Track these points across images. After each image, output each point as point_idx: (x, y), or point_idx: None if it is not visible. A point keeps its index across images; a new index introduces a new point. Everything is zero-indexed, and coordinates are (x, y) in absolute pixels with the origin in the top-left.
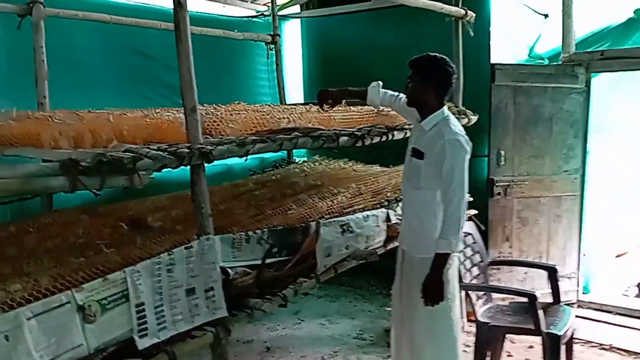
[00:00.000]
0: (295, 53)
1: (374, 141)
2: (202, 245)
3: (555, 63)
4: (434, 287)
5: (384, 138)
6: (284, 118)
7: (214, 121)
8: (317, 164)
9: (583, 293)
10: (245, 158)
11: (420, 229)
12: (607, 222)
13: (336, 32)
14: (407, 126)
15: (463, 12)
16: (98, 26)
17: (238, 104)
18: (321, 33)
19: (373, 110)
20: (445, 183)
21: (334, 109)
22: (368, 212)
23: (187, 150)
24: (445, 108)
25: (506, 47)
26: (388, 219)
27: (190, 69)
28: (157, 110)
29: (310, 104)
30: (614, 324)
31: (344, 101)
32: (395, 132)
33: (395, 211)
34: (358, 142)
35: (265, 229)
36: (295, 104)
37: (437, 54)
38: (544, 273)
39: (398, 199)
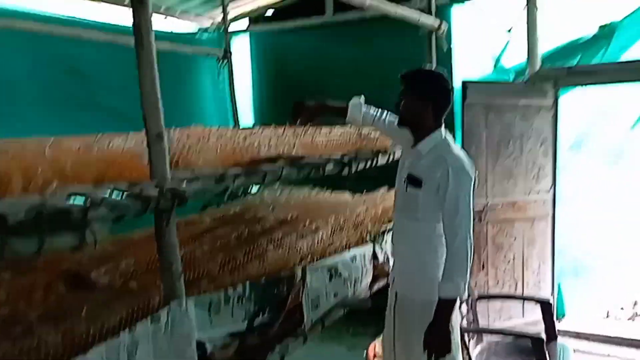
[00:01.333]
0: (242, 71)
1: (359, 168)
2: (173, 315)
3: (521, 79)
4: (440, 337)
5: (369, 164)
6: (262, 145)
7: (182, 150)
8: (279, 192)
9: (557, 318)
10: None
11: (419, 267)
12: (578, 241)
13: (289, 49)
14: (395, 148)
15: (437, 24)
16: (24, 39)
17: (196, 128)
18: (273, 49)
19: (356, 131)
20: (449, 215)
21: (310, 129)
22: (354, 251)
23: (156, 192)
24: (443, 129)
25: (470, 62)
26: (375, 256)
27: (155, 83)
28: (102, 138)
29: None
30: (597, 354)
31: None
32: (380, 156)
33: (382, 247)
34: (344, 169)
35: (245, 283)
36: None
37: (434, 69)
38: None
39: (383, 231)
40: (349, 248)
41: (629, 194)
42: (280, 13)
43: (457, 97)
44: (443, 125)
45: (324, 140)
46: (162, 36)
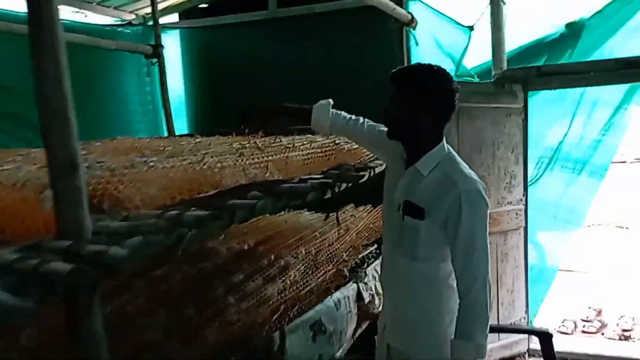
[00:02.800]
0: (171, 71)
1: (342, 188)
2: None
3: (486, 80)
4: None
5: (352, 183)
6: (222, 165)
7: (108, 181)
8: None
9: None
10: None
11: (420, 318)
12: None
13: (227, 47)
14: (374, 163)
15: (409, 17)
16: None
17: (124, 140)
18: (208, 47)
19: (331, 142)
20: (463, 254)
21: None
22: (337, 295)
23: (67, 267)
24: (445, 142)
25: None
26: (359, 297)
27: (62, 85)
28: None
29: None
30: None
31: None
32: (366, 173)
33: (366, 284)
34: (326, 193)
35: None
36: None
37: (433, 65)
38: None
39: (362, 262)
40: (330, 291)
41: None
42: (215, 7)
43: None
44: (445, 137)
45: (298, 155)
46: (74, 27)
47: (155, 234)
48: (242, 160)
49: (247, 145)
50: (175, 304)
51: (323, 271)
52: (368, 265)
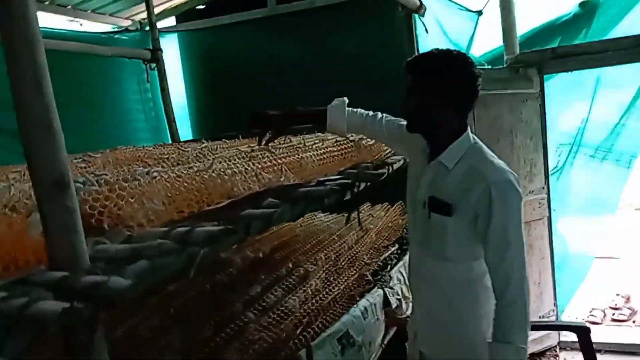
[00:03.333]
0: (171, 76)
1: (361, 188)
2: None
3: (499, 66)
4: None
5: (372, 181)
6: (233, 172)
7: (107, 199)
8: None
9: None
10: None
11: (454, 322)
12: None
13: (227, 47)
14: (392, 159)
15: (418, 3)
16: None
17: (125, 150)
18: (207, 49)
19: (345, 139)
20: (497, 251)
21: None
22: (363, 302)
23: (58, 307)
24: (469, 132)
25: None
26: (386, 302)
27: (44, 88)
28: None
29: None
30: None
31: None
32: (385, 169)
33: (392, 289)
34: (346, 194)
35: None
36: (210, 141)
37: (451, 49)
38: None
39: (385, 264)
40: (354, 298)
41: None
42: (213, 8)
43: None
44: (469, 127)
45: (313, 157)
46: (68, 36)
47: (163, 257)
48: (253, 164)
49: (257, 148)
50: (190, 324)
51: (345, 277)
52: (392, 268)
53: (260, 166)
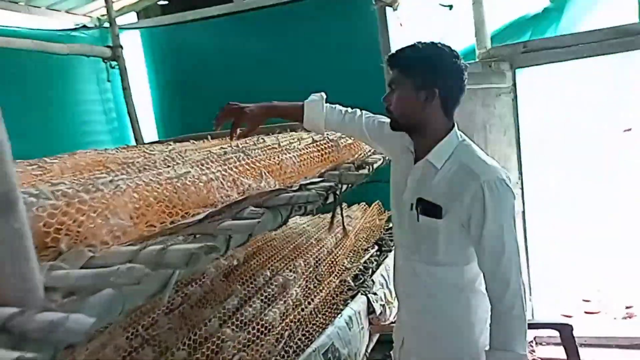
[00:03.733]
0: (133, 75)
1: (344, 190)
2: None
3: (471, 61)
4: None
5: (353, 184)
6: (207, 178)
7: (66, 216)
8: None
9: None
10: None
11: (447, 329)
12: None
13: (192, 44)
14: (372, 158)
15: None
16: None
17: (86, 154)
18: (171, 46)
19: (323, 138)
20: (492, 255)
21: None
22: (347, 312)
23: (9, 347)
24: (457, 129)
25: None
26: (370, 309)
27: None
28: None
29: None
30: None
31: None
32: (366, 170)
33: (375, 294)
34: (329, 197)
35: None
36: (175, 142)
37: (436, 42)
38: None
39: (365, 268)
40: (339, 307)
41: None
42: (176, 3)
43: None
44: (456, 124)
45: (293, 158)
46: (21, 34)
47: (133, 284)
48: (229, 168)
49: (229, 149)
50: (160, 344)
51: (326, 284)
52: (373, 272)
53: (237, 170)
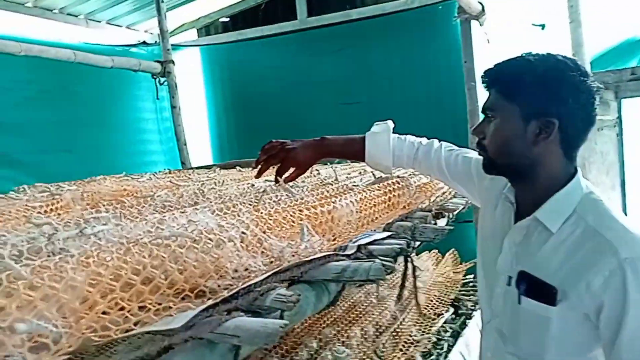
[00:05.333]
0: (191, 93)
1: (417, 246)
2: None
3: None
4: None
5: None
6: (220, 241)
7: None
8: None
9: None
10: None
11: None
12: None
13: (253, 63)
14: (453, 203)
15: (480, 7)
16: None
17: (109, 179)
18: (231, 65)
19: (395, 177)
20: None
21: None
22: None
23: None
24: (580, 176)
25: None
26: None
27: None
28: None
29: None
30: None
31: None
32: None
33: None
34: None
35: None
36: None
37: (555, 54)
38: None
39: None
40: None
41: None
42: (238, 20)
43: None
44: (580, 169)
45: (350, 203)
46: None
47: None
48: (258, 218)
49: (270, 186)
50: None
51: None
52: (450, 349)
53: (268, 221)
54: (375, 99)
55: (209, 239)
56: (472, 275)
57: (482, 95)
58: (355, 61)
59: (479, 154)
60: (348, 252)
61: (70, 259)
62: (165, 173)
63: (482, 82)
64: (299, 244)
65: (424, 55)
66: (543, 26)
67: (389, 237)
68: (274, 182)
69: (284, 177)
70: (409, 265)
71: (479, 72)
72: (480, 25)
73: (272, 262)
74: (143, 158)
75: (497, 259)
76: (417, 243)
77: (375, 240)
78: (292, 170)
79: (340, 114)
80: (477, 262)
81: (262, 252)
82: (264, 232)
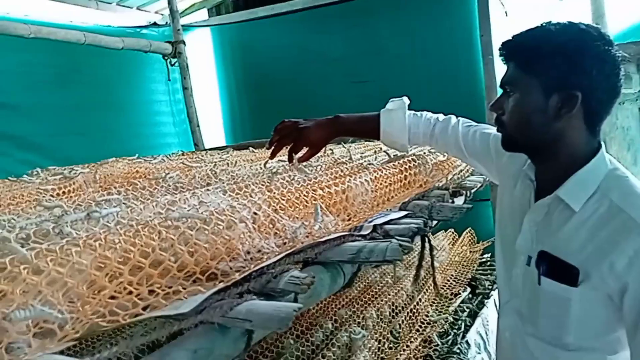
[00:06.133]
0: (203, 74)
1: (434, 225)
2: None
3: None
4: None
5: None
6: (231, 222)
7: None
8: None
9: None
10: None
11: None
12: None
13: (264, 42)
14: (470, 181)
15: None
16: None
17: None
18: (242, 44)
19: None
20: None
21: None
22: None
23: None
24: (604, 151)
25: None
26: None
27: None
28: None
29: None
30: None
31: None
32: (461, 198)
33: None
34: (413, 240)
35: None
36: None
37: (577, 22)
38: None
39: (457, 319)
40: None
41: None
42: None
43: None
44: (603, 143)
45: (365, 182)
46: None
47: None
48: (271, 198)
49: (282, 165)
50: None
51: (404, 344)
52: (468, 328)
53: (281, 201)
54: (388, 76)
55: (220, 220)
56: (489, 255)
57: (500, 70)
58: (367, 38)
59: (498, 131)
60: (363, 232)
61: (78, 242)
62: (178, 155)
63: (500, 55)
64: (313, 224)
65: (438, 30)
66: None
67: (405, 216)
68: (287, 162)
69: (297, 157)
70: (426, 244)
71: (496, 46)
72: None
73: (285, 243)
74: (156, 140)
75: (516, 238)
76: (434, 222)
77: (391, 220)
78: (305, 149)
79: (352, 92)
80: (495, 242)
81: (275, 233)
82: (277, 212)
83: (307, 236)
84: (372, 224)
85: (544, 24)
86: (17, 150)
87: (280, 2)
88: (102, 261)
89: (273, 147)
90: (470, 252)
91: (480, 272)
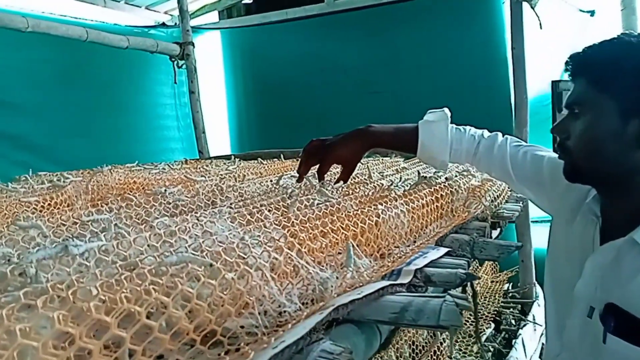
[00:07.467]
0: (211, 78)
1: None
2: None
3: None
4: None
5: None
6: (243, 273)
7: None
8: None
9: None
10: None
11: None
12: None
13: (275, 48)
14: (508, 209)
15: None
16: None
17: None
18: (253, 49)
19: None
20: None
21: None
22: None
23: None
24: None
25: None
26: None
27: None
28: None
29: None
30: None
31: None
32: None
33: None
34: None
35: None
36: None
37: None
38: None
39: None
40: None
41: None
42: (261, 3)
43: (544, 104)
44: None
45: (399, 211)
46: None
47: None
48: (288, 233)
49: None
50: None
51: None
52: None
53: (303, 236)
54: (405, 87)
55: (230, 266)
56: (510, 285)
57: (534, 85)
58: (385, 47)
59: (560, 158)
60: (402, 279)
61: (35, 299)
62: (181, 163)
63: (565, 70)
64: (344, 271)
65: (461, 42)
66: (592, 12)
67: (446, 253)
68: (298, 178)
69: (328, 178)
70: (468, 289)
71: (528, 60)
72: (532, 7)
73: (306, 292)
74: (160, 145)
75: (573, 282)
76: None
77: (431, 261)
78: (339, 168)
79: (367, 103)
80: (545, 282)
81: (294, 271)
82: (299, 253)
83: (338, 287)
84: (412, 267)
85: (621, 35)
86: (14, 151)
87: (295, 7)
88: (68, 330)
89: (300, 169)
90: (492, 281)
91: (503, 305)
